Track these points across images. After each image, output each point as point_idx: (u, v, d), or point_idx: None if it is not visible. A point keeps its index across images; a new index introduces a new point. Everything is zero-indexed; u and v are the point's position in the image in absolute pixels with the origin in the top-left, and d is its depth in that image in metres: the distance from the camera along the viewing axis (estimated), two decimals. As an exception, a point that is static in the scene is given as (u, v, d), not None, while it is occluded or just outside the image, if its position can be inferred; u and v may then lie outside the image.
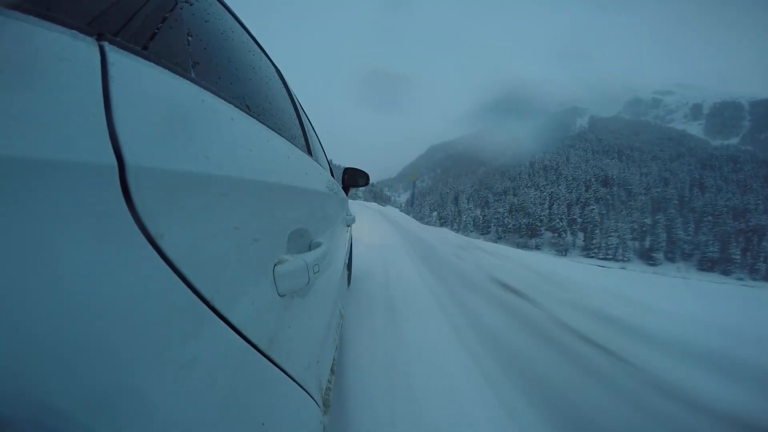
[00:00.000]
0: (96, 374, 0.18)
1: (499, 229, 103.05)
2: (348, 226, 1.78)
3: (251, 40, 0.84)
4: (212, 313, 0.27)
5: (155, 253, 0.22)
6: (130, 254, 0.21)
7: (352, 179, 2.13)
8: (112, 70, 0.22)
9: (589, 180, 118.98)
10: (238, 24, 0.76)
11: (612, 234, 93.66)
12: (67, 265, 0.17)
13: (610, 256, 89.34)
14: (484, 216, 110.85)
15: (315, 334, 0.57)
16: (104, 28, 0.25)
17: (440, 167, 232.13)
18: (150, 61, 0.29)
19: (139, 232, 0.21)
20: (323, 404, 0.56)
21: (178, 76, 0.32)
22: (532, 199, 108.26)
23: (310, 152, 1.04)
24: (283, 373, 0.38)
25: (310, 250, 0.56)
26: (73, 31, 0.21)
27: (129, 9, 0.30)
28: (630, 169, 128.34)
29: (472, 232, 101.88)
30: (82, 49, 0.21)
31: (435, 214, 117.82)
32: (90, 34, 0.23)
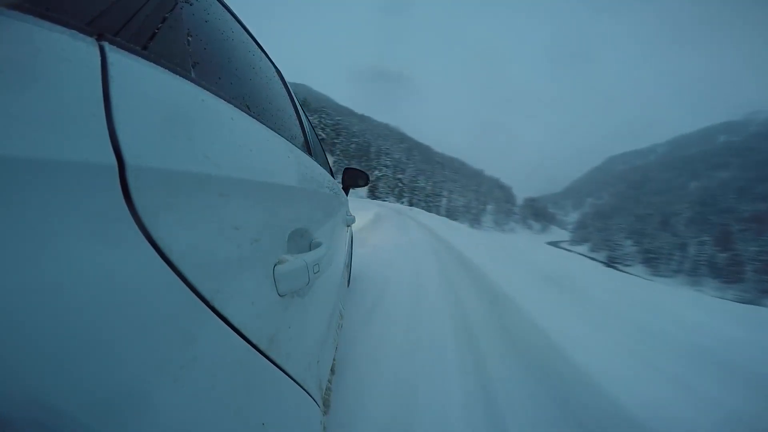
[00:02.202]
0: (96, 374, 0.18)
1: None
2: (348, 226, 1.78)
3: (251, 40, 0.84)
4: (212, 313, 0.27)
5: (155, 253, 0.22)
6: (130, 254, 0.21)
7: (352, 179, 2.13)
8: (112, 70, 0.22)
9: None
10: (238, 24, 0.76)
11: None
12: (67, 265, 0.17)
13: None
14: (732, 256, 62.33)
15: (315, 334, 0.57)
16: (104, 28, 0.25)
17: (624, 182, 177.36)
18: (150, 61, 0.29)
19: (139, 232, 0.21)
20: (323, 404, 0.56)
21: (178, 76, 0.32)
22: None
23: (310, 152, 1.04)
24: (283, 373, 0.38)
25: (310, 250, 0.56)
26: (73, 31, 0.21)
27: (129, 9, 0.30)
28: None
29: (709, 278, 59.22)
30: (82, 49, 0.21)
31: (629, 243, 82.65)
32: (90, 34, 0.23)
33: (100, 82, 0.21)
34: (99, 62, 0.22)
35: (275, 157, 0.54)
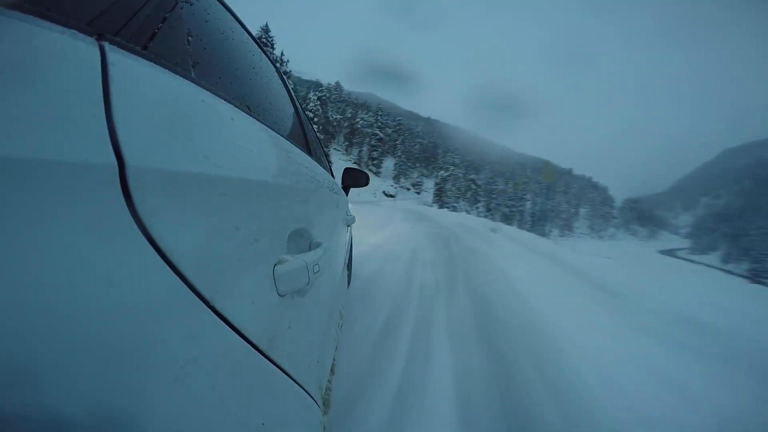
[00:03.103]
0: (96, 374, 0.18)
1: None
2: (348, 226, 1.78)
3: (251, 40, 0.84)
4: (212, 313, 0.27)
5: (155, 253, 0.22)
6: (130, 254, 0.21)
7: (352, 179, 2.13)
8: (112, 70, 0.22)
9: None
10: (238, 24, 0.76)
11: None
12: (67, 265, 0.17)
13: None
14: None
15: (315, 334, 0.57)
16: (104, 28, 0.25)
17: (750, 177, 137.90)
18: (150, 61, 0.29)
19: (139, 232, 0.21)
20: (323, 404, 0.56)
21: (178, 76, 0.32)
22: None
23: (310, 152, 1.04)
24: (283, 373, 0.38)
25: (310, 250, 0.56)
26: (73, 31, 0.21)
27: (129, 9, 0.30)
28: None
29: None
30: (82, 49, 0.21)
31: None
32: (90, 34, 0.23)
33: (100, 82, 0.21)
34: (99, 62, 0.22)
35: (275, 157, 0.54)
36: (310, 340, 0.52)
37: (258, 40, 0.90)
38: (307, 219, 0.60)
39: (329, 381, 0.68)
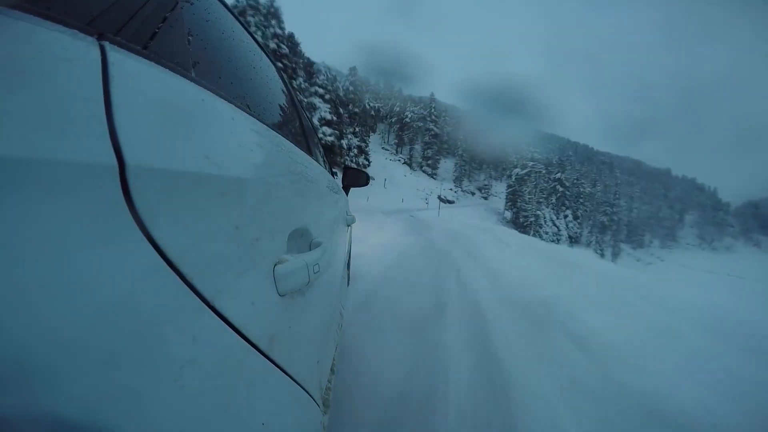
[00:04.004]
0: (96, 375, 0.18)
1: None
2: (348, 226, 1.78)
3: (251, 40, 0.84)
4: (212, 313, 0.27)
5: (155, 252, 0.22)
6: (130, 254, 0.21)
7: (353, 179, 2.14)
8: (112, 70, 0.22)
9: None
10: (238, 24, 0.76)
11: None
12: (67, 265, 0.17)
13: None
14: None
15: (315, 334, 0.57)
16: (104, 28, 0.25)
17: None
18: (150, 61, 0.29)
19: (139, 232, 0.21)
20: (323, 404, 0.56)
21: (178, 76, 0.32)
22: None
23: (310, 152, 1.04)
24: (283, 373, 0.38)
25: (310, 249, 0.56)
26: (73, 31, 0.21)
27: (129, 9, 0.30)
28: None
29: None
30: (82, 49, 0.21)
31: None
32: (90, 34, 0.23)
33: (101, 82, 0.21)
34: (99, 62, 0.22)
35: (275, 157, 0.54)
36: (310, 339, 0.52)
37: (259, 42, 0.90)
38: (307, 219, 0.60)
39: (329, 381, 0.68)
